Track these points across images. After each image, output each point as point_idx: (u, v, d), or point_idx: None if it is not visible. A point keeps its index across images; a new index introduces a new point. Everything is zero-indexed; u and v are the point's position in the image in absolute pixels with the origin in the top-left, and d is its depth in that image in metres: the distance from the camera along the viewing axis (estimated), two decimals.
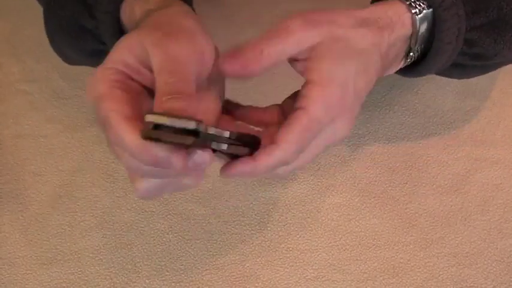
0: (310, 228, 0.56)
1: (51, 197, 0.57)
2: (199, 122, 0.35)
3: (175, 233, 0.56)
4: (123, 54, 0.39)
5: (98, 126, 0.40)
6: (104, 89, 0.37)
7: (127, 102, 0.37)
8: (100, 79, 0.38)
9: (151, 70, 0.39)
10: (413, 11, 0.45)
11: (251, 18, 0.69)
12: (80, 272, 0.53)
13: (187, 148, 0.36)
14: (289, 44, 0.41)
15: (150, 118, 0.34)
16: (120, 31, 0.47)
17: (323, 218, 0.57)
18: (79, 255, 0.54)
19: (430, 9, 0.46)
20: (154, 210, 0.57)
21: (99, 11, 0.46)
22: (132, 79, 0.39)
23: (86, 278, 0.53)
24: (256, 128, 0.44)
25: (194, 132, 0.35)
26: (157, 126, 0.34)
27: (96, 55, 0.50)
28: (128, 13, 0.45)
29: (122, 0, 0.46)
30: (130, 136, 0.35)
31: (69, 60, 0.55)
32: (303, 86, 0.42)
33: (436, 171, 0.60)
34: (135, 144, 0.35)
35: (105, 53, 0.40)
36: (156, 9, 0.43)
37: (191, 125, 0.34)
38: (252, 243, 0.55)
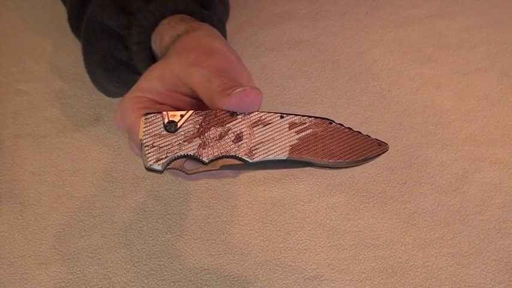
0: (308, 228, 0.56)
1: (50, 196, 0.58)
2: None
3: (174, 232, 0.56)
4: (153, 83, 0.40)
5: (133, 150, 0.42)
6: (135, 118, 0.39)
7: None
8: (129, 108, 0.40)
9: (183, 94, 0.40)
10: None
11: (249, 17, 0.69)
12: (79, 272, 0.53)
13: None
14: None
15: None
16: (153, 59, 0.48)
17: (321, 217, 0.57)
18: (78, 255, 0.54)
19: None
20: (153, 210, 0.57)
21: (132, 42, 0.48)
22: (161, 103, 0.41)
23: (85, 278, 0.53)
24: None
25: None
26: None
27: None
28: (158, 42, 0.47)
29: (152, 30, 0.47)
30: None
31: (110, 94, 0.58)
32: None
33: (434, 171, 0.60)
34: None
35: None
36: (183, 34, 0.43)
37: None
38: (251, 243, 0.55)
